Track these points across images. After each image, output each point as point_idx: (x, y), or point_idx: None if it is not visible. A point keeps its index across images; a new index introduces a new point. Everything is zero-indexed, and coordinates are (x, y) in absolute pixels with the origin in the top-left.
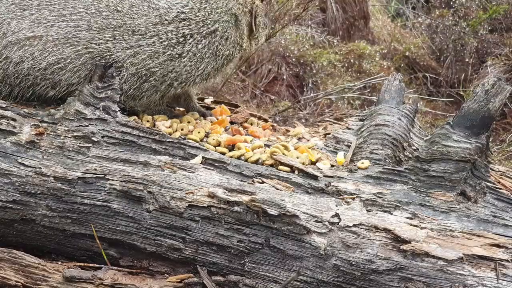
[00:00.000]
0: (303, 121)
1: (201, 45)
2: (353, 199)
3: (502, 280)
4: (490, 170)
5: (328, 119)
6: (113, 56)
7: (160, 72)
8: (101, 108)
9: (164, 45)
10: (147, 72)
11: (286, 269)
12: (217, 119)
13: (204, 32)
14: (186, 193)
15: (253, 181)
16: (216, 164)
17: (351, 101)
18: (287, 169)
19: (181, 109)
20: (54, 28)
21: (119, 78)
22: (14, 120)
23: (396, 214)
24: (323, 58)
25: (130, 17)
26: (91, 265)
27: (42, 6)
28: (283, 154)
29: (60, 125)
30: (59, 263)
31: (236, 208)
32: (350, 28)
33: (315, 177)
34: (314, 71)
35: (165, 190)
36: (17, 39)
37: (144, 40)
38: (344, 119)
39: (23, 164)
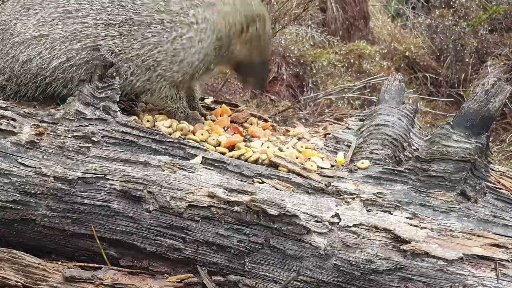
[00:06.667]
0: (303, 121)
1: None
2: (353, 199)
3: (502, 280)
4: (490, 170)
5: (328, 119)
6: (120, 51)
7: (165, 60)
8: (101, 108)
9: (168, 32)
10: (154, 62)
11: (286, 269)
12: (217, 119)
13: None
14: (186, 193)
15: (253, 181)
16: (216, 164)
17: (351, 101)
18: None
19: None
20: (60, 25)
21: (127, 72)
22: (14, 120)
23: (396, 214)
24: (323, 58)
25: (135, 11)
26: (91, 265)
27: (46, 2)
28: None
29: (60, 125)
30: (59, 263)
31: (236, 208)
32: (350, 28)
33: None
34: (314, 71)
35: (165, 190)
36: (23, 39)
37: (149, 31)
38: (344, 119)
39: (23, 164)
